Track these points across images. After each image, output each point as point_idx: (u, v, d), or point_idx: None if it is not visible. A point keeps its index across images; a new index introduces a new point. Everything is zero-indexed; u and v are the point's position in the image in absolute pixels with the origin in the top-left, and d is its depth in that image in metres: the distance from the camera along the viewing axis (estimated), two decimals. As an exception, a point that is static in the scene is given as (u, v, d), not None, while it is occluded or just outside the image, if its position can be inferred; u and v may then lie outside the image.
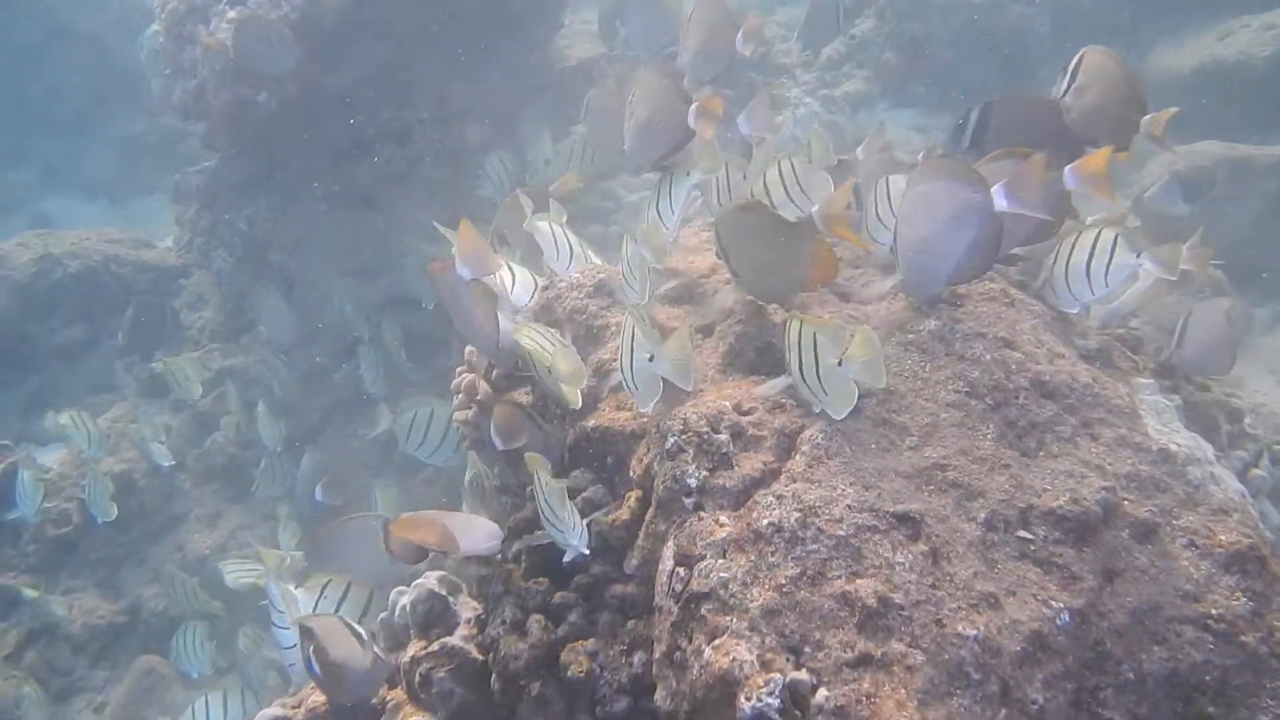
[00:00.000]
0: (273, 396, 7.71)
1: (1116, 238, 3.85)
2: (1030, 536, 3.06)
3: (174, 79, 7.94)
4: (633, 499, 3.47)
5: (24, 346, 9.50)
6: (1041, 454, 3.34)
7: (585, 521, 3.38)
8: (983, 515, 3.08)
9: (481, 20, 8.03)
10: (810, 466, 3.13)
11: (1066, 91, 4.00)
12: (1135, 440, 3.43)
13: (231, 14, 7.36)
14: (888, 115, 9.60)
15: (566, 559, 3.44)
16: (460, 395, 4.57)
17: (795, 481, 3.08)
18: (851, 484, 3.06)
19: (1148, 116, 3.90)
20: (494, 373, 4.45)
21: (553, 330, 3.94)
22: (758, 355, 3.70)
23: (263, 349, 8.21)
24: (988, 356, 3.50)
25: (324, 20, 7.26)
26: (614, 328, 3.93)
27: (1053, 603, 2.89)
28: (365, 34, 7.39)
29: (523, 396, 4.26)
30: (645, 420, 3.60)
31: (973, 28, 9.56)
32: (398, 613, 3.93)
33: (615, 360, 3.71)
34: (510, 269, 4.37)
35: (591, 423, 3.73)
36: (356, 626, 3.63)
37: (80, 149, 15.10)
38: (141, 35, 8.45)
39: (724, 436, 3.25)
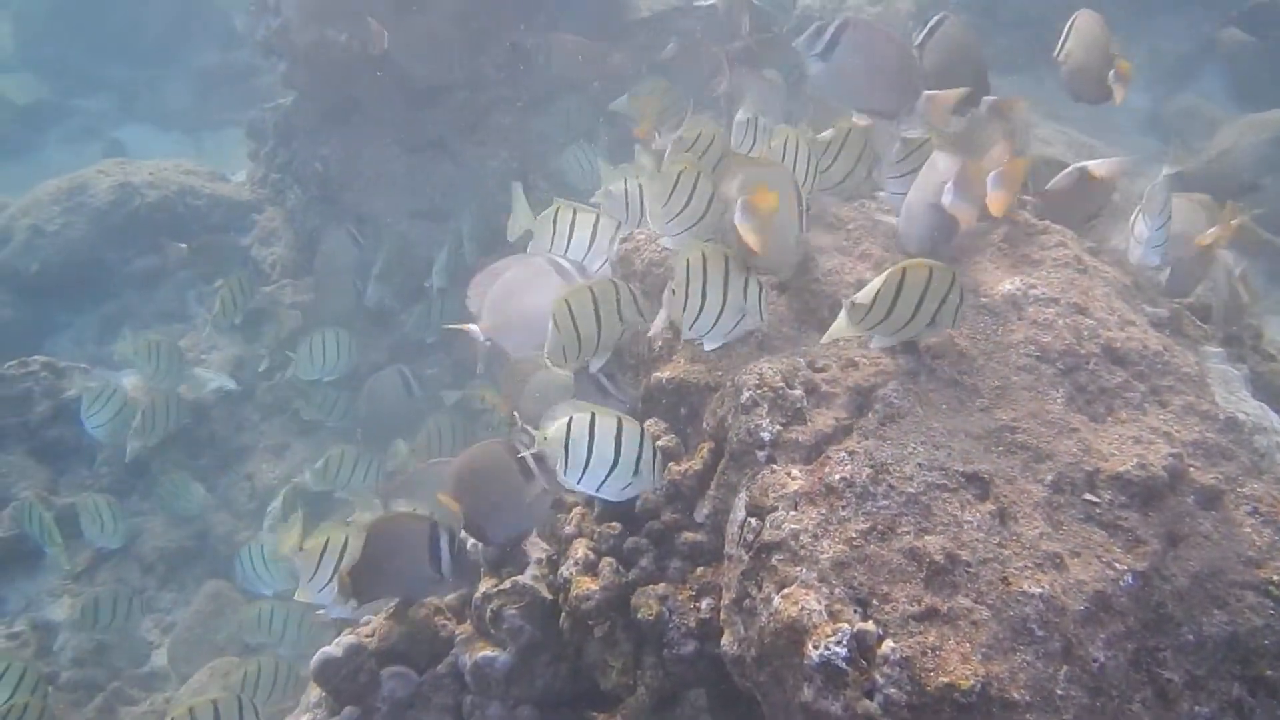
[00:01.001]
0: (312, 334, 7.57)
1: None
2: (1096, 500, 3.09)
3: (258, 16, 8.03)
4: (705, 450, 3.52)
5: (100, 273, 9.64)
6: (1110, 419, 3.36)
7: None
8: (1050, 477, 3.12)
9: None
10: (883, 424, 3.18)
11: (1060, 50, 4.42)
12: (1203, 408, 3.45)
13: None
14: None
15: (574, 484, 3.38)
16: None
17: (867, 438, 3.13)
18: (922, 443, 3.11)
19: (1111, 70, 4.32)
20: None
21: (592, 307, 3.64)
22: (831, 313, 3.73)
23: (322, 288, 8.24)
24: (1060, 322, 3.52)
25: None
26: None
27: (1116, 565, 2.93)
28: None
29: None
30: (720, 373, 3.65)
31: (1050, -8, 9.36)
32: (469, 550, 4.02)
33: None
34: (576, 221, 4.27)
35: (666, 374, 3.77)
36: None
37: (157, 79, 15.23)
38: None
39: (798, 392, 3.30)
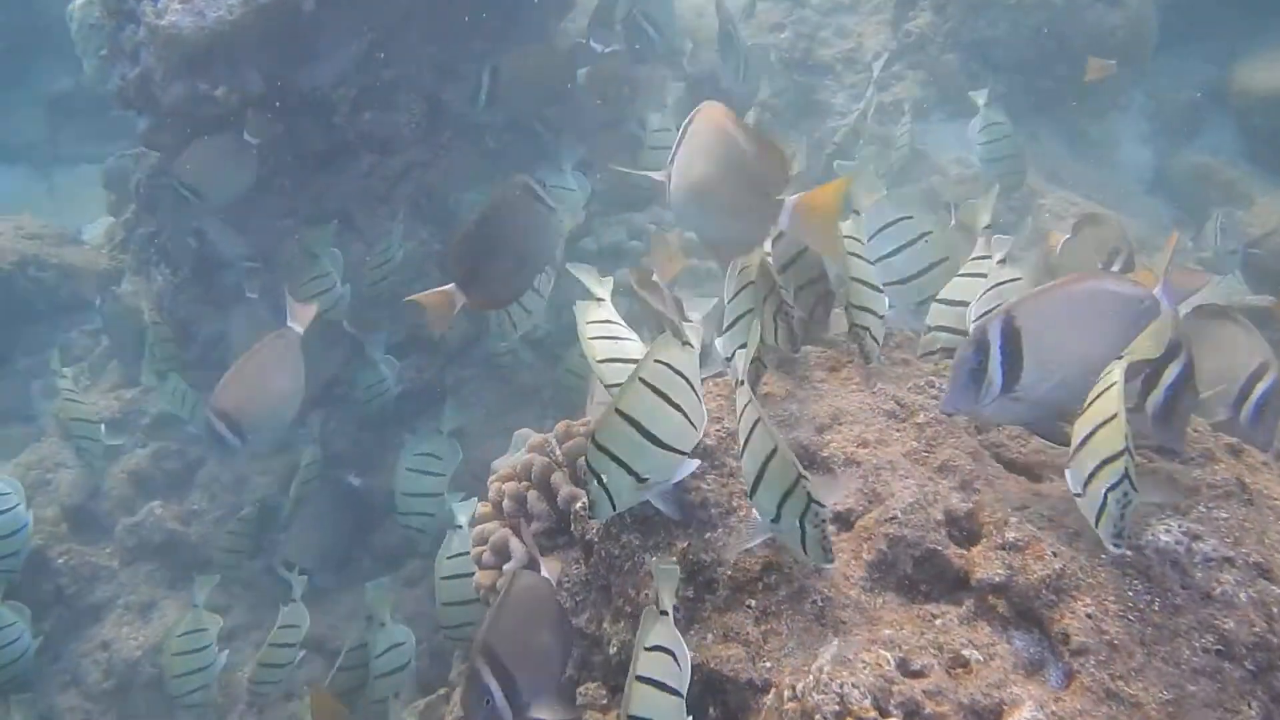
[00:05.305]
0: None
1: None
2: None
3: (111, 62, 6.92)
4: (761, 790, 2.62)
5: (-80, 366, 8.55)
6: (1322, 742, 2.57)
7: None
8: None
9: (477, 5, 7.12)
10: (1032, 780, 2.35)
11: None
12: None
13: (184, -12, 6.39)
14: (942, 128, 8.79)
15: None
16: (485, 550, 3.74)
17: (1016, 808, 2.30)
18: (1094, 811, 2.28)
19: None
20: (533, 524, 3.62)
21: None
22: (917, 567, 2.89)
23: None
24: (1242, 595, 2.70)
25: (299, 3, 6.30)
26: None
27: None
28: (344, 21, 6.46)
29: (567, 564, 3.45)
30: (768, 665, 2.75)
31: (1045, 31, 8.74)
32: None
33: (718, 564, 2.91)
34: None
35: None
36: None
37: (-1, 106, 13.97)
38: (70, 3, 7.36)
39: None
